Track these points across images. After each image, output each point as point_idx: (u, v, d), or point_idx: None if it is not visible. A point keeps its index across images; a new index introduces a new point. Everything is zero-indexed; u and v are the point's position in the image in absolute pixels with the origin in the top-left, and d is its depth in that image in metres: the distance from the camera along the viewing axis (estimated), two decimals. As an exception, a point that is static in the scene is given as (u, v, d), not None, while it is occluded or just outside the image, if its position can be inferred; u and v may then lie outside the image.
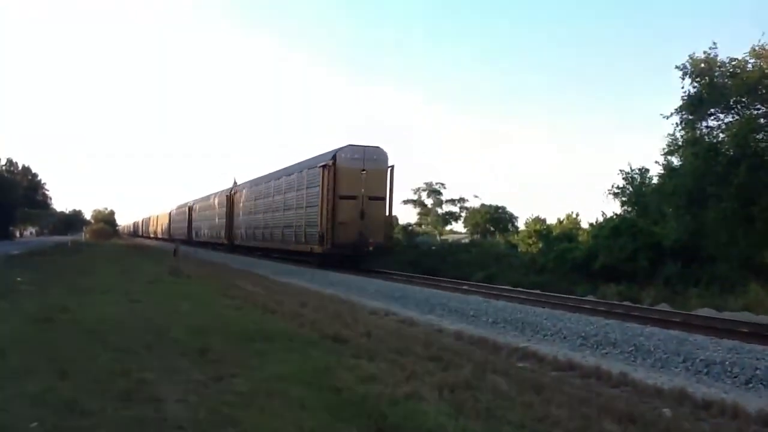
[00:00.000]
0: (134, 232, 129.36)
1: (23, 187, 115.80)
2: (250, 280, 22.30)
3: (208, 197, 54.89)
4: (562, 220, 61.90)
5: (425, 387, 6.35)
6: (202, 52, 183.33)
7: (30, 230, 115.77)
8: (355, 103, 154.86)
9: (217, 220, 49.63)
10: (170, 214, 74.24)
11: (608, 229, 26.44)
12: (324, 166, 26.56)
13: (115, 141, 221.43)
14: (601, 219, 28.94)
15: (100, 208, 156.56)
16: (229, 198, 45.75)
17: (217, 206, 49.99)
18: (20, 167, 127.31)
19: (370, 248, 26.45)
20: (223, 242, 47.05)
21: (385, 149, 27.30)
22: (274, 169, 37.00)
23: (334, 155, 26.51)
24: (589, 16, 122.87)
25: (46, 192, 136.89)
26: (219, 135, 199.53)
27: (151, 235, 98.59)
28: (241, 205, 42.93)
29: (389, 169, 26.82)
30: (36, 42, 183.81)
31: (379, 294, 18.65)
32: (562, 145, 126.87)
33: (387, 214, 27.59)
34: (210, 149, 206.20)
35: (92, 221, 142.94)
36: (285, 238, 32.51)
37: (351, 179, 26.30)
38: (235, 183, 48.02)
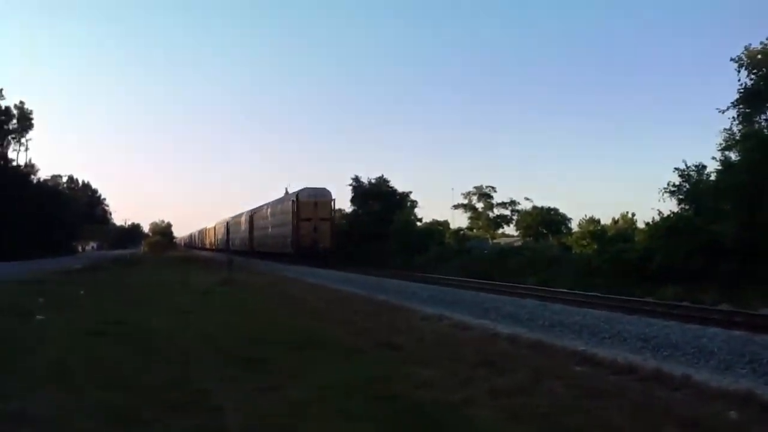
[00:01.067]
0: (190, 243, 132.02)
1: (84, 203, 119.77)
2: (301, 288, 22.49)
3: (240, 215, 67.01)
4: (616, 220, 60.62)
5: (480, 393, 6.26)
6: (253, 74, 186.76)
7: (91, 245, 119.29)
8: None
9: (246, 234, 62.04)
10: (215, 227, 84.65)
11: (665, 228, 25.69)
12: (292, 201, 42.45)
13: (172, 154, 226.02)
14: (657, 218, 28.06)
15: (158, 220, 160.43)
16: (251, 218, 59.81)
17: (243, 223, 63.79)
18: (80, 183, 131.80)
19: (321, 250, 41.11)
20: (247, 250, 58.95)
21: (329, 188, 43.81)
22: (271, 199, 53.41)
23: (297, 194, 42.65)
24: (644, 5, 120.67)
25: (106, 207, 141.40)
26: (270, 149, 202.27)
27: (207, 247, 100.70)
28: (255, 223, 58.43)
29: (332, 201, 43.73)
30: (93, 62, 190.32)
31: (431, 300, 18.57)
32: (615, 143, 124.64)
33: (331, 228, 42.74)
34: (261, 162, 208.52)
35: (150, 234, 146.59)
36: (275, 245, 47.50)
37: (308, 208, 41.40)
38: (253, 207, 61.40)
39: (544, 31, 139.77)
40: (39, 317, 11.85)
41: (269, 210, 51.60)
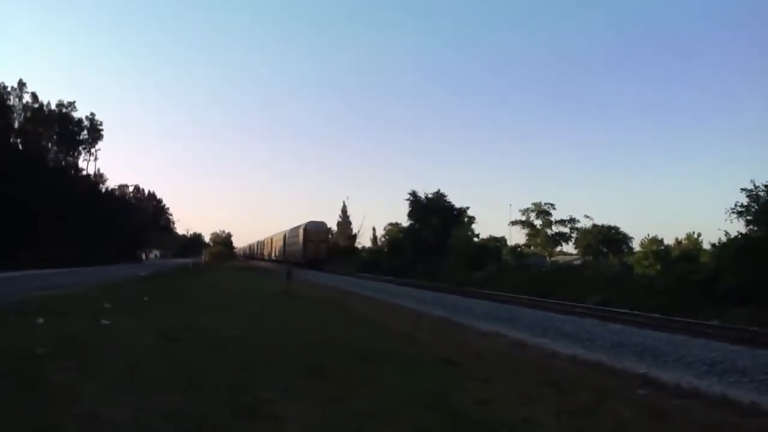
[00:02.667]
0: (249, 254, 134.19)
1: (149, 212, 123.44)
2: (359, 300, 22.66)
3: (282, 233, 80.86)
4: (680, 240, 58.90)
5: (542, 412, 6.21)
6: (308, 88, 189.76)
7: (155, 252, 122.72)
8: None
9: (284, 248, 75.61)
10: (273, 239, 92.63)
11: (734, 249, 24.84)
12: (303, 229, 62.18)
13: (235, 166, 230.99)
14: (723, 239, 27.15)
15: (218, 231, 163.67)
16: (285, 237, 75.79)
17: (282, 240, 78.50)
18: (146, 193, 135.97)
19: (318, 260, 59.70)
20: (281, 260, 73.30)
21: (325, 221, 67.00)
22: (294, 225, 71.21)
23: (306, 224, 62.07)
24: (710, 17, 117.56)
25: (170, 216, 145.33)
26: (328, 164, 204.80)
27: (265, 257, 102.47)
28: (284, 241, 75.43)
29: (328, 230, 68.27)
30: (161, 76, 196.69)
31: (487, 316, 18.46)
32: (679, 162, 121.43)
33: (326, 247, 63.60)
34: (319, 177, 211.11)
35: (211, 244, 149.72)
36: (294, 257, 64.72)
37: (312, 233, 61.07)
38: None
39: (611, 47, 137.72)
40: (105, 322, 12.24)
41: (288, 234, 72.78)
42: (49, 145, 72.15)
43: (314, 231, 61.94)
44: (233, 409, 5.79)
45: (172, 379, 6.93)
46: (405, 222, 65.93)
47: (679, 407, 7.41)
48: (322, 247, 62.40)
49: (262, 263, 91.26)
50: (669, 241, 56.83)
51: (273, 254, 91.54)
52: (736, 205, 28.67)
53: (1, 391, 6.09)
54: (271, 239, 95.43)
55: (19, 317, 12.10)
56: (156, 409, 5.68)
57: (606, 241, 63.96)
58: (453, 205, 61.88)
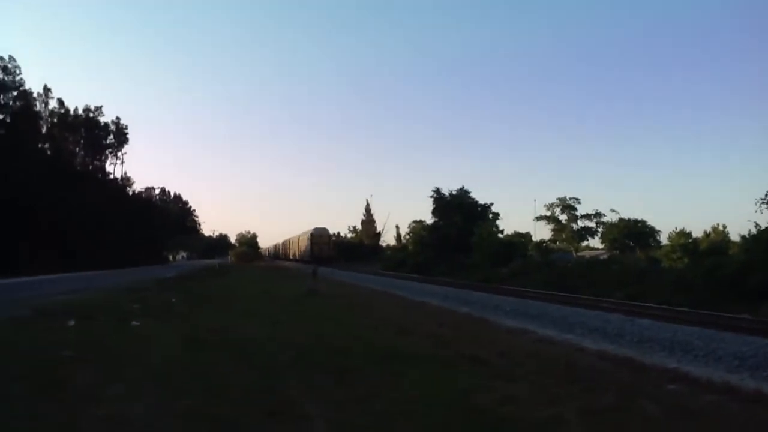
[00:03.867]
0: (275, 254, 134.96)
1: (175, 214, 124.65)
2: (385, 299, 22.64)
3: (297, 236, 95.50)
4: (708, 232, 58.07)
5: (568, 410, 6.12)
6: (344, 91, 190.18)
7: (182, 254, 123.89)
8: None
9: (298, 249, 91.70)
10: (299, 239, 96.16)
11: (764, 241, 24.37)
12: (309, 234, 79.66)
13: (259, 167, 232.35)
14: (753, 230, 26.65)
15: (244, 231, 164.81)
16: (299, 238, 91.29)
17: (297, 242, 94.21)
18: (172, 195, 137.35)
19: (322, 258, 68.76)
20: (297, 260, 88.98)
21: (327, 227, 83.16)
22: (304, 230, 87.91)
23: (312, 231, 79.42)
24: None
25: (195, 218, 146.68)
26: (351, 162, 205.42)
27: (290, 257, 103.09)
28: (298, 243, 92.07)
29: (329, 234, 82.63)
30: (185, 79, 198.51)
31: (514, 313, 18.32)
32: (705, 153, 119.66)
33: (329, 248, 78.89)
34: (342, 175, 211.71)
35: (237, 244, 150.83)
36: (305, 256, 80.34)
37: (316, 237, 77.73)
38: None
39: (637, 40, 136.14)
40: (134, 323, 12.38)
41: (300, 237, 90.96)
42: (77, 149, 73.25)
43: (318, 236, 79.85)
44: (259, 409, 5.81)
45: (200, 381, 6.98)
46: (429, 219, 65.92)
47: (711, 403, 7.27)
48: (325, 248, 79.52)
49: (287, 263, 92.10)
50: (697, 233, 56.11)
51: (294, 254, 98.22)
52: (766, 196, 28.17)
53: (32, 392, 6.18)
54: (289, 241, 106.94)
55: (49, 320, 12.28)
56: (183, 410, 5.73)
57: (633, 235, 63.32)
58: (477, 202, 61.67)
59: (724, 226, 56.83)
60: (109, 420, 5.37)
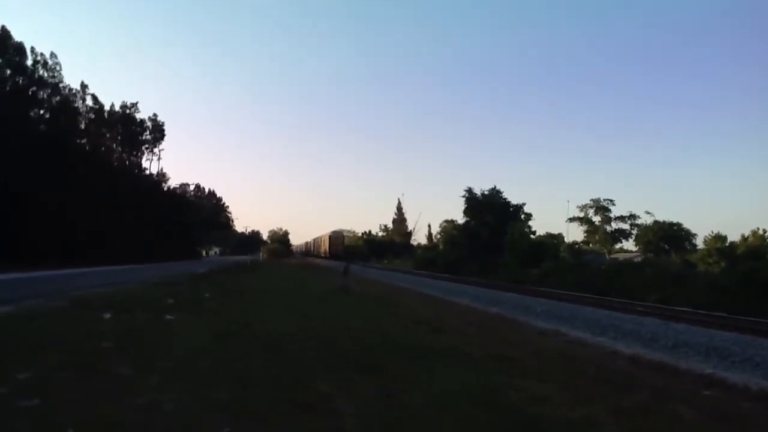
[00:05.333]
0: (306, 251, 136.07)
1: (209, 210, 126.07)
2: (414, 298, 22.65)
3: (321, 236, 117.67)
4: (746, 236, 56.91)
5: (600, 411, 6.08)
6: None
7: (214, 250, 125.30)
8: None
9: (323, 247, 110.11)
10: (330, 237, 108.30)
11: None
12: (329, 236, 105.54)
13: (292, 164, 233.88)
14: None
15: (276, 228, 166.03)
16: (322, 238, 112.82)
17: (321, 241, 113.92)
18: (206, 191, 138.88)
19: (337, 255, 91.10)
20: (321, 256, 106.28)
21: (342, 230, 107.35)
22: (324, 232, 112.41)
23: (330, 233, 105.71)
24: None
25: (229, 214, 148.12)
26: (383, 163, 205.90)
27: (321, 255, 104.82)
28: (321, 242, 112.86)
29: (343, 236, 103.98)
30: (222, 77, 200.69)
31: (546, 314, 18.20)
32: (745, 156, 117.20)
33: (343, 247, 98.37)
34: (375, 174, 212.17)
35: (268, 241, 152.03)
36: (322, 253, 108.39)
37: (334, 239, 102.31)
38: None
39: (671, 41, 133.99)
40: (168, 317, 12.57)
41: (322, 238, 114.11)
42: (114, 145, 74.49)
43: (334, 237, 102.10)
44: (290, 402, 5.87)
45: (230, 374, 7.07)
46: (460, 219, 65.74)
47: (747, 409, 7.15)
48: (340, 248, 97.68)
49: (318, 260, 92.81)
50: (734, 237, 55.03)
51: (325, 251, 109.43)
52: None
53: (71, 382, 6.33)
54: (320, 239, 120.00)
55: (87, 312, 12.54)
56: (215, 402, 5.82)
57: (668, 237, 62.38)
58: (509, 202, 61.31)
59: (764, 231, 55.64)
60: (143, 409, 5.48)
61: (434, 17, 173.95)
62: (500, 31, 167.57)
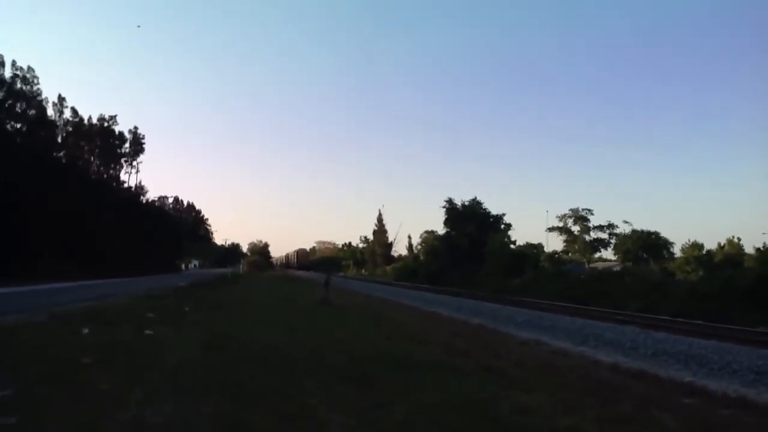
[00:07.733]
0: (286, 263, 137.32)
1: (188, 222, 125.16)
2: (397, 309, 22.64)
3: (295, 251, 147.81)
4: (723, 245, 57.68)
5: (585, 420, 6.12)
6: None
7: (194, 263, 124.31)
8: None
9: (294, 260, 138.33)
10: (288, 254, 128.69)
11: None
12: (295, 252, 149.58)
13: (271, 176, 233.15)
14: (769, 243, 26.44)
15: (256, 241, 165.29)
16: (295, 253, 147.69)
17: (292, 255, 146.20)
18: (185, 204, 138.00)
19: (304, 266, 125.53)
20: (294, 267, 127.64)
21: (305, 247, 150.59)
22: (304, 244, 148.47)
23: (297, 250, 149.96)
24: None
25: (208, 226, 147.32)
26: (362, 174, 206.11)
27: (294, 266, 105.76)
28: (293, 256, 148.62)
29: (307, 252, 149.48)
30: (200, 90, 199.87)
31: (527, 324, 18.29)
32: (721, 164, 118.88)
33: (307, 260, 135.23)
34: (355, 185, 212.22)
35: (248, 254, 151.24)
36: (291, 265, 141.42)
37: (299, 254, 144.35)
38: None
39: (651, 48, 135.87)
40: (148, 332, 12.42)
41: (291, 253, 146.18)
42: (91, 158, 73.75)
43: (302, 253, 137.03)
44: (277, 415, 5.84)
45: (216, 387, 7.01)
46: (441, 230, 65.88)
47: (727, 417, 7.24)
48: (305, 261, 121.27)
49: (298, 272, 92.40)
50: (710, 246, 55.75)
51: (293, 263, 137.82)
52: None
53: (50, 397, 6.25)
54: (286, 255, 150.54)
55: (65, 327, 12.38)
56: (199, 416, 5.77)
57: (646, 246, 62.97)
58: (489, 212, 61.53)
59: (739, 239, 56.41)
60: (124, 424, 5.42)
61: (414, 29, 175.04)
62: (480, 44, 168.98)
